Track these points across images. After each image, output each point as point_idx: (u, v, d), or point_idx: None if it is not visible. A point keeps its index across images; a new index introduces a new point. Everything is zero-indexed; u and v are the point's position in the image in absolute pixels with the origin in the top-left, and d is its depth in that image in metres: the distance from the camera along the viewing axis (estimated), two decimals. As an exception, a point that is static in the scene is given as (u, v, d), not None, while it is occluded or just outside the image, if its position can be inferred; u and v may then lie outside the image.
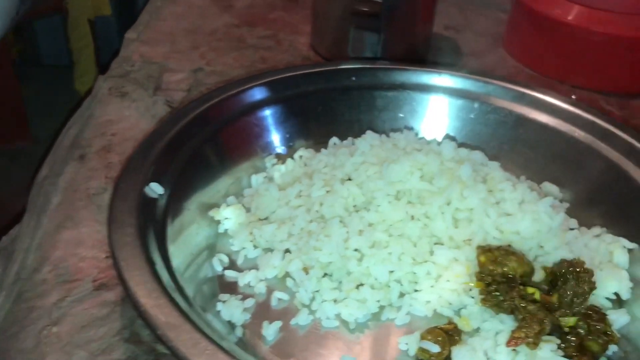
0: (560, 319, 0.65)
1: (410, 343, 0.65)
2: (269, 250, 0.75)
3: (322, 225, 0.74)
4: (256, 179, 0.85)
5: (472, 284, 0.69)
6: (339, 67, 0.96)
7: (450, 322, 0.67)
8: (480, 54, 1.28)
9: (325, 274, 0.72)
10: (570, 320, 0.64)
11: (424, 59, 1.23)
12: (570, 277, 0.67)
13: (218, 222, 0.79)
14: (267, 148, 0.90)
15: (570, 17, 1.15)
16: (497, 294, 0.66)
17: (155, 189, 0.71)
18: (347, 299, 0.69)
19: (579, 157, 0.86)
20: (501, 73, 1.22)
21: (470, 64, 1.24)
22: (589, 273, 0.68)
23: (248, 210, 0.81)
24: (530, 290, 0.66)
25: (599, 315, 0.66)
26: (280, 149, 0.91)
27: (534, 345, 0.61)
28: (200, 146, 0.80)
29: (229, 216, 0.78)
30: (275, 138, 0.90)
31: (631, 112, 1.13)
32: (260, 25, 1.34)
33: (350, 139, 0.89)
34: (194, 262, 0.72)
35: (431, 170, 0.77)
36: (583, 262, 0.69)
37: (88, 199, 0.83)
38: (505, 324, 0.66)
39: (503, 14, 1.35)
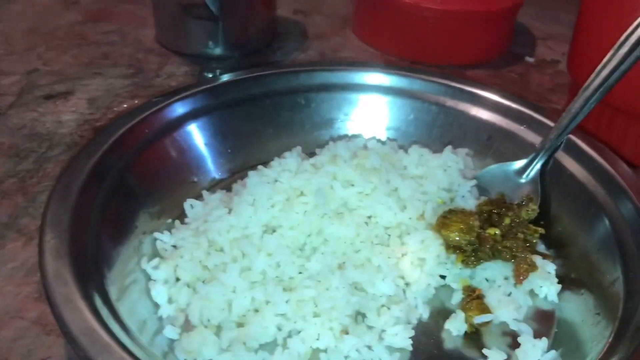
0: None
1: (458, 325, 0.67)
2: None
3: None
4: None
5: (453, 262, 0.73)
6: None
7: (468, 288, 0.71)
8: (326, 36, 1.31)
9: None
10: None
11: (269, 44, 1.25)
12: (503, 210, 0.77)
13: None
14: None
15: (405, -5, 1.19)
16: (478, 253, 0.72)
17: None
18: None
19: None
20: (346, 54, 1.26)
21: (315, 46, 1.27)
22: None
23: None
24: (491, 232, 0.73)
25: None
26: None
27: (534, 267, 0.70)
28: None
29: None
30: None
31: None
32: (105, 19, 1.31)
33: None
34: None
35: (346, 176, 0.79)
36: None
37: None
38: (492, 269, 0.72)
39: (352, -5, 1.38)
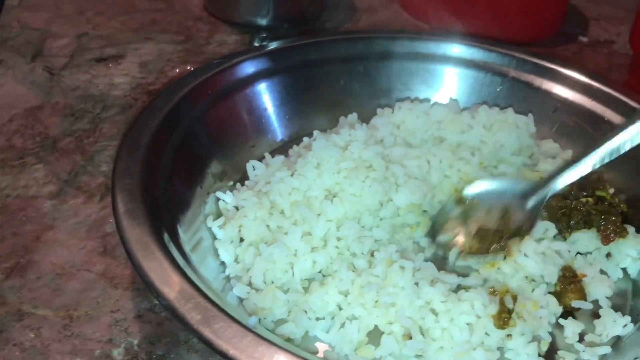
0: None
1: (553, 309, 0.64)
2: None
3: None
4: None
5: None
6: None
7: (570, 269, 0.67)
8: (375, 10, 1.29)
9: None
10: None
11: (318, 17, 1.23)
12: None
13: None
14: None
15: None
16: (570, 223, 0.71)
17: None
18: None
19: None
20: (395, 27, 1.24)
21: (364, 18, 1.25)
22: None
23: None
24: (583, 199, 0.72)
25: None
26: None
27: (624, 231, 0.69)
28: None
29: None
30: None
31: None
32: (152, -13, 1.30)
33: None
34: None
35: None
36: None
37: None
38: (583, 239, 0.70)
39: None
